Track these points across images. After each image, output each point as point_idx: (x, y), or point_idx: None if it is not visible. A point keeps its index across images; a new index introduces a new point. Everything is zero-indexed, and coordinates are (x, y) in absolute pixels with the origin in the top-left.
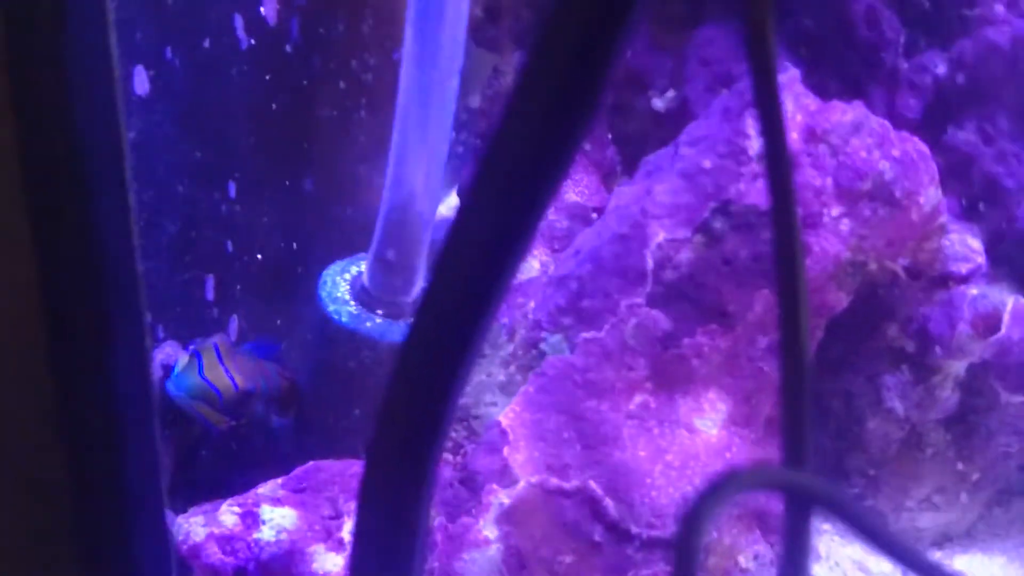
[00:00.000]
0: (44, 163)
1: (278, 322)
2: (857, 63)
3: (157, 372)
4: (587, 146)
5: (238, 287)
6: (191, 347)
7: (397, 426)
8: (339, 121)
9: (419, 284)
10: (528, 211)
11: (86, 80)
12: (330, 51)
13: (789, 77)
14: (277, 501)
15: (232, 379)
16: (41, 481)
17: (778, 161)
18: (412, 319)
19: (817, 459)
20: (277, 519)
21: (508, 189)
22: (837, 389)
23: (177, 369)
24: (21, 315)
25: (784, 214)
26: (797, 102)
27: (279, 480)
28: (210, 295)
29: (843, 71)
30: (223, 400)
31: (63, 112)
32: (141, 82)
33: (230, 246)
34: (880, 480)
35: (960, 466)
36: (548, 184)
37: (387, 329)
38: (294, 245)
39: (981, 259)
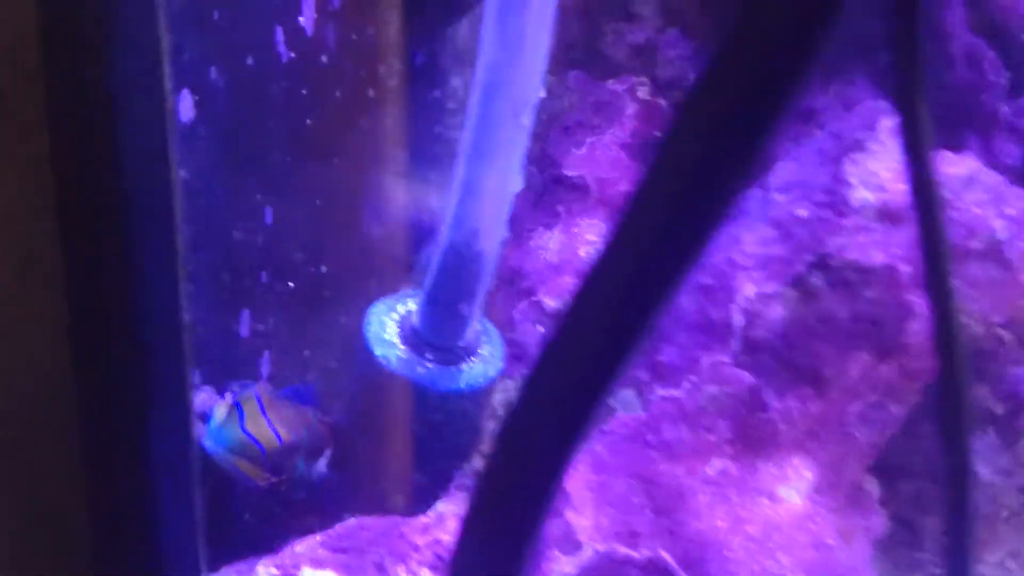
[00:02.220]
0: (86, 205)
1: (306, 352)
2: (953, 106)
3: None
4: None
5: (271, 321)
6: (228, 394)
7: (500, 500)
8: (369, 133)
9: (474, 327)
10: (685, 255)
11: (133, 111)
12: (360, 57)
13: (894, 123)
14: (318, 563)
15: (276, 432)
16: (68, 545)
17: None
18: (528, 380)
19: (893, 522)
20: None
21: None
22: (919, 449)
23: (215, 422)
24: (49, 367)
25: (940, 286)
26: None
27: (318, 537)
28: (245, 331)
29: (936, 114)
30: (266, 455)
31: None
32: (186, 108)
33: (264, 277)
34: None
35: None
36: (714, 220)
37: (439, 376)
38: (324, 269)
39: None
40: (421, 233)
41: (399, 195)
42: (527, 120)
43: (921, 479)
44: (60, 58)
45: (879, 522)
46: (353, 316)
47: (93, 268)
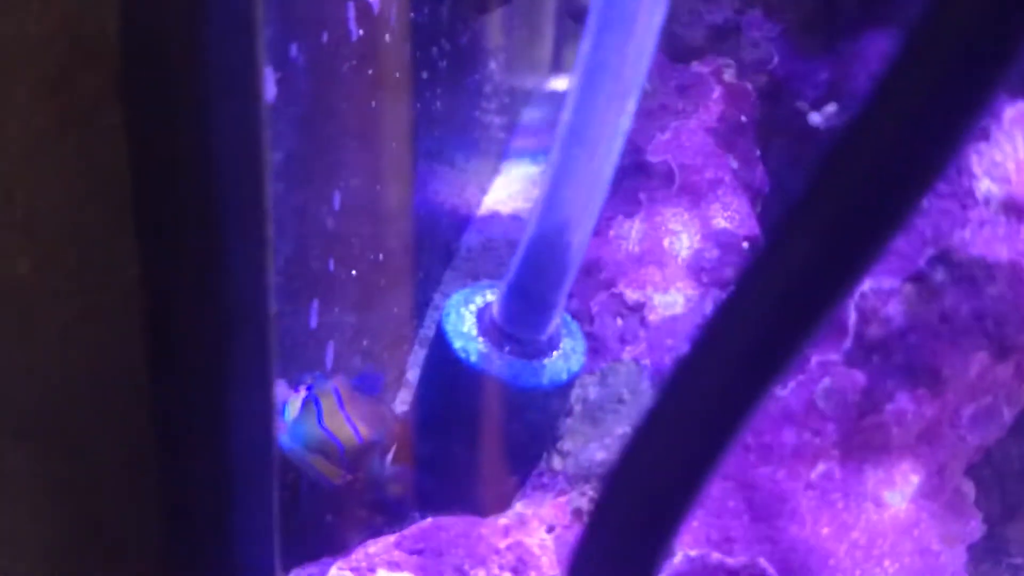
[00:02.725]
0: (166, 179)
1: (364, 343)
2: None
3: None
4: (735, 163)
5: (336, 310)
6: (303, 388)
7: (625, 525)
8: (420, 116)
9: (556, 321)
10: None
11: (224, 83)
12: (416, 38)
13: (1018, 111)
14: (395, 565)
15: (355, 428)
16: (136, 547)
17: None
18: (664, 390)
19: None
20: None
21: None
22: (1012, 453)
23: (289, 416)
24: (123, 358)
25: None
26: None
27: (392, 538)
28: (314, 322)
29: None
30: (345, 453)
31: (195, 121)
32: (268, 86)
33: (332, 265)
34: None
35: None
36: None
37: (520, 371)
38: (382, 258)
39: None
40: (459, 220)
41: (443, 180)
42: (631, 106)
43: (1014, 483)
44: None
45: (976, 527)
46: (404, 304)
47: (174, 260)
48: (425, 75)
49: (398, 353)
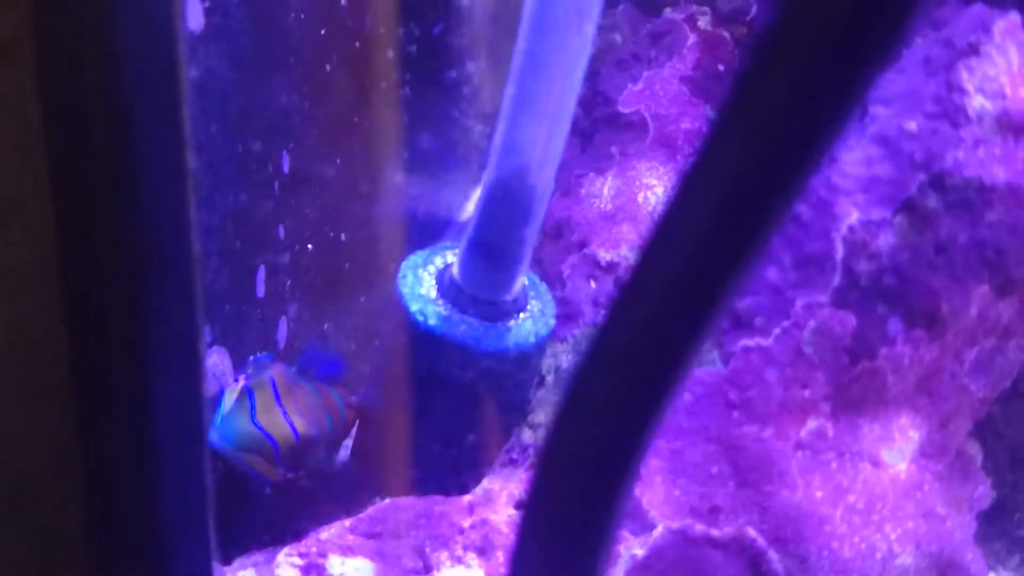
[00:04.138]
0: (73, 98)
1: (325, 327)
2: None
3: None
4: (713, 113)
5: (288, 282)
6: (242, 375)
7: (566, 484)
8: (391, 92)
9: (522, 280)
10: (779, 190)
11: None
12: (379, 14)
13: (1009, 23)
14: (348, 550)
15: (292, 424)
16: (57, 530)
17: None
18: (595, 341)
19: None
20: (349, 573)
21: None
22: (1020, 411)
23: (223, 410)
24: (36, 314)
25: None
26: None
27: (347, 522)
28: (260, 291)
29: None
30: (279, 451)
31: (102, 33)
32: (195, 15)
33: (282, 232)
34: None
35: None
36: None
37: (484, 334)
38: (344, 236)
39: None
40: (438, 221)
41: (416, 178)
42: (590, 28)
43: (1021, 445)
44: None
45: (984, 493)
46: (374, 296)
47: (85, 192)
48: (391, 54)
49: (367, 347)
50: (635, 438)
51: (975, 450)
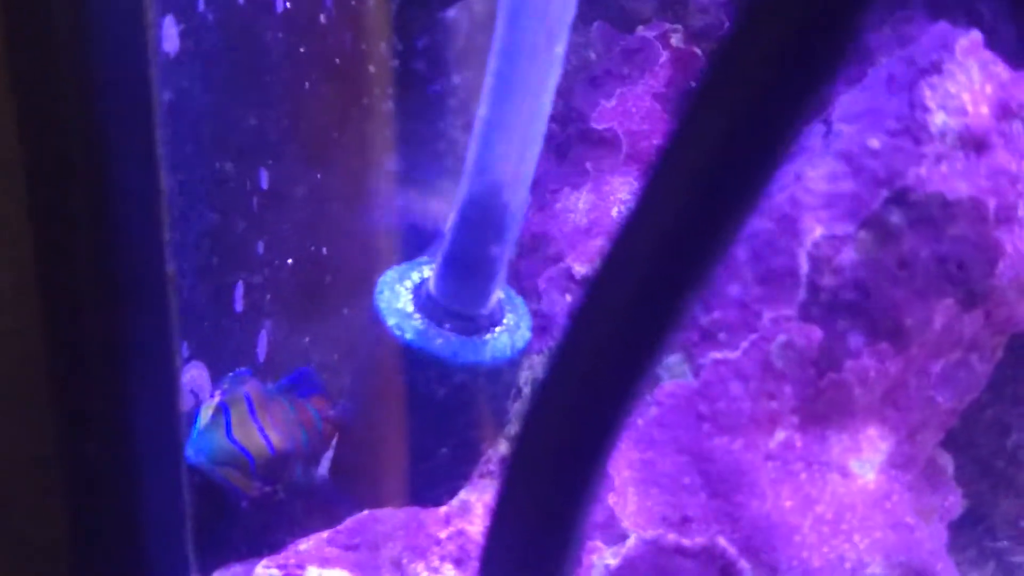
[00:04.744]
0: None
1: (307, 340)
2: None
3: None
4: None
5: (267, 296)
6: (218, 391)
7: (534, 487)
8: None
9: (498, 294)
10: (738, 202)
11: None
12: (361, 29)
13: (970, 41)
14: (326, 561)
15: (267, 438)
16: (37, 542)
17: None
18: (558, 349)
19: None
20: None
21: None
22: (991, 420)
23: (199, 426)
24: (14, 329)
25: None
26: (985, 71)
27: (325, 534)
28: (239, 306)
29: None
30: (255, 465)
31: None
32: (170, 37)
33: (261, 248)
34: None
35: None
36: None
37: (460, 347)
38: (325, 250)
39: None
40: (424, 232)
41: (400, 190)
42: (560, 49)
43: (992, 454)
44: None
45: (955, 503)
46: (357, 308)
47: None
48: (374, 69)
49: (348, 360)
50: (598, 443)
51: (945, 460)
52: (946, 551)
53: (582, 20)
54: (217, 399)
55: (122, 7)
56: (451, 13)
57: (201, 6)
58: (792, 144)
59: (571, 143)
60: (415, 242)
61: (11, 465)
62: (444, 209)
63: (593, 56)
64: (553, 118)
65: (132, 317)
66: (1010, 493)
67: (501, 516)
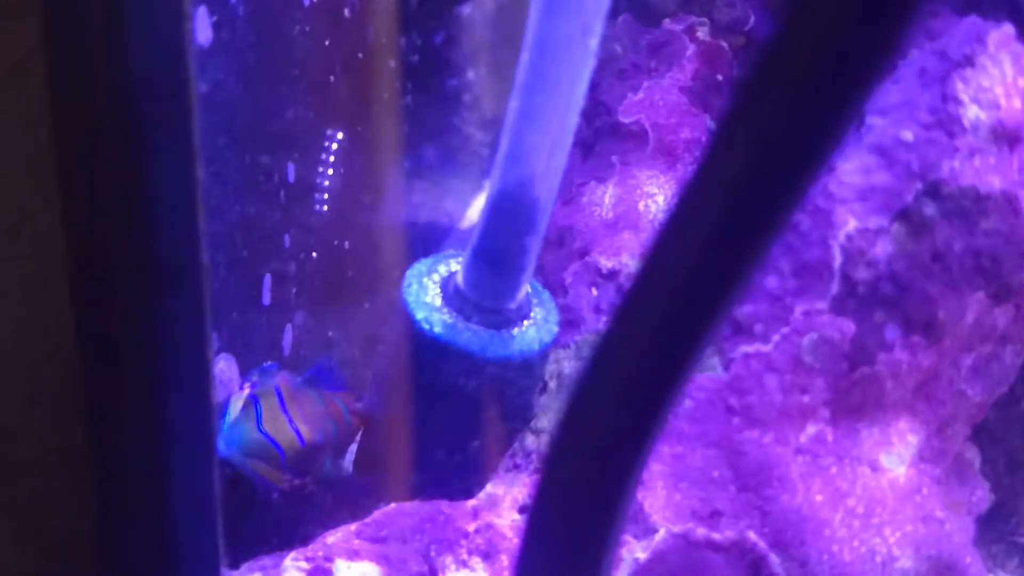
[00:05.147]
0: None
1: (329, 334)
2: None
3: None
4: (712, 123)
5: (294, 290)
6: (247, 383)
7: (571, 487)
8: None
9: (526, 288)
10: (779, 200)
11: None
12: (382, 24)
13: (1003, 34)
14: (354, 554)
15: (297, 431)
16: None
17: None
18: (599, 348)
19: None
20: None
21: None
22: (1021, 414)
23: (229, 418)
24: (46, 323)
25: None
26: (1018, 63)
27: (353, 527)
28: (266, 299)
29: None
30: (286, 457)
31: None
32: (203, 28)
33: (288, 241)
34: None
35: None
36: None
37: (488, 341)
38: (348, 244)
39: None
40: (438, 228)
41: (417, 184)
42: (594, 42)
43: (1021, 449)
44: None
45: (983, 497)
46: (378, 302)
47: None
48: (393, 64)
49: (371, 354)
50: (638, 444)
51: (973, 454)
52: (973, 545)
53: (608, 13)
54: (247, 391)
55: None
56: (466, 9)
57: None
58: (835, 146)
59: (598, 137)
60: (430, 237)
61: (40, 457)
62: (457, 204)
63: (619, 49)
64: (580, 112)
65: (167, 308)
66: None
67: (537, 519)
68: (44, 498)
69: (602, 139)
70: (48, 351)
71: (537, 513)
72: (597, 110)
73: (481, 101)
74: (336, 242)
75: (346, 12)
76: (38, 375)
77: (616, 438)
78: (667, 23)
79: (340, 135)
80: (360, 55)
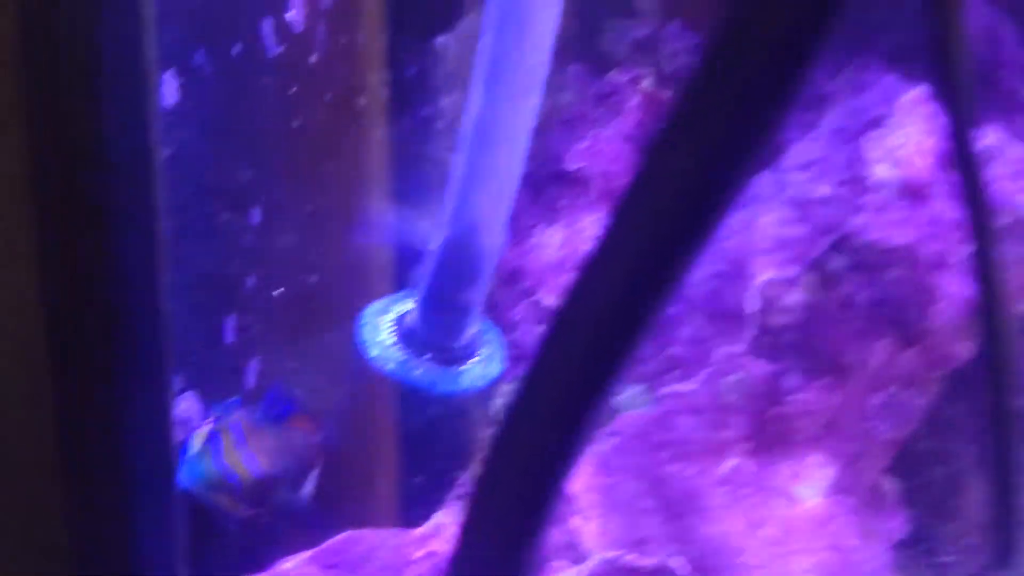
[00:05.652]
0: (58, 177)
1: (298, 365)
2: (973, 82)
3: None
4: None
5: (257, 327)
6: (209, 419)
7: (497, 508)
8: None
9: (474, 326)
10: (686, 241)
11: (115, 80)
12: (351, 63)
13: (915, 95)
14: None
15: (253, 464)
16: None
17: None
18: (524, 379)
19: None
20: None
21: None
22: (929, 450)
23: (190, 452)
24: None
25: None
26: (927, 124)
27: (308, 553)
28: (230, 337)
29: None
30: (242, 489)
31: (85, 117)
32: (170, 91)
33: (252, 281)
34: (974, 550)
35: None
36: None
37: (438, 377)
38: (314, 279)
39: None
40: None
41: (391, 211)
42: (534, 101)
43: (941, 479)
44: (37, 47)
45: (899, 524)
46: (344, 328)
47: (68, 255)
48: (364, 102)
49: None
50: (557, 465)
51: (890, 485)
52: (889, 571)
53: (559, 63)
54: (208, 427)
55: (127, 69)
56: (440, 39)
57: (199, 59)
58: (739, 188)
59: (546, 182)
60: (405, 262)
61: (38, 456)
62: (430, 232)
63: (568, 99)
64: (531, 157)
65: (131, 356)
66: (954, 516)
67: (467, 534)
68: (44, 498)
69: (550, 184)
70: (25, 412)
71: (469, 520)
72: (547, 156)
73: (453, 127)
74: (303, 278)
75: (313, 58)
76: (38, 375)
77: (541, 453)
78: (613, 74)
79: (308, 176)
80: (329, 96)
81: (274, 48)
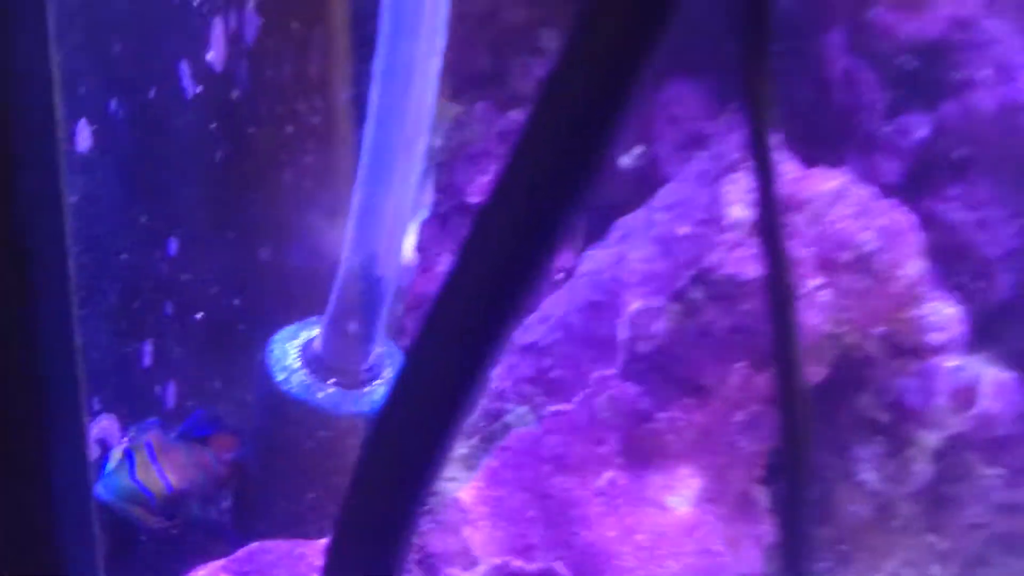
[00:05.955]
0: None
1: (217, 386)
2: (832, 126)
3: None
4: None
5: (177, 352)
6: (126, 438)
7: (369, 505)
8: (286, 169)
9: (376, 351)
10: (528, 270)
11: (25, 131)
12: (277, 95)
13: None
14: None
15: (166, 479)
16: None
17: (772, 234)
18: (392, 386)
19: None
20: None
21: (511, 247)
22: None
23: (109, 468)
24: None
25: (779, 289)
26: (779, 168)
27: (219, 563)
28: (148, 362)
29: (816, 133)
30: (156, 502)
31: None
32: (84, 138)
33: (169, 308)
34: (849, 554)
35: (930, 538)
36: (556, 231)
37: (341, 400)
38: (236, 304)
39: (959, 329)
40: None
41: (321, 232)
42: (420, 146)
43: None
44: None
45: (768, 530)
46: (258, 352)
47: None
48: (291, 130)
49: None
50: (423, 469)
51: (760, 493)
52: (762, 572)
53: (468, 100)
54: (124, 446)
55: (35, 125)
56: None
57: (113, 106)
58: (573, 210)
59: (451, 213)
60: (323, 288)
61: None
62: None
63: (474, 134)
64: (439, 190)
65: (48, 385)
66: (824, 523)
67: (337, 544)
68: None
69: (454, 216)
70: None
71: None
72: (452, 189)
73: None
74: (224, 302)
75: (235, 94)
76: None
77: (404, 466)
78: (513, 113)
79: (230, 205)
80: (253, 129)
81: (192, 89)
